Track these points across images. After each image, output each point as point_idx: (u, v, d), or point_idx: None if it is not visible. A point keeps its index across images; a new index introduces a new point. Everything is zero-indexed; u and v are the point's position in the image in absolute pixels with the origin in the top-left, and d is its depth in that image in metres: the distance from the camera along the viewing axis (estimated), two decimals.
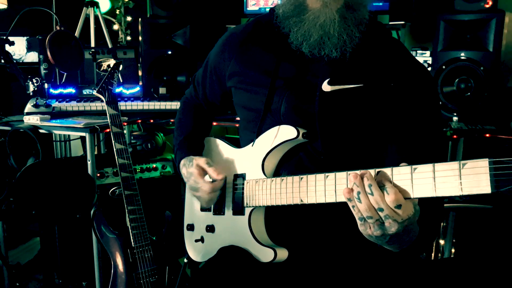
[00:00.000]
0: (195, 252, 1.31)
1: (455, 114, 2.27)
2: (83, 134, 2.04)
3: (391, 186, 0.78)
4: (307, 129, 1.05)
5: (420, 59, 2.44)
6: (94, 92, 1.95)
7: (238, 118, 1.29)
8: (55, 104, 2.33)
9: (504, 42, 2.18)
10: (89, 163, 2.01)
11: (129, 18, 3.65)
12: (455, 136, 2.08)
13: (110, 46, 2.94)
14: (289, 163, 1.11)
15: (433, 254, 2.38)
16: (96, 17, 2.99)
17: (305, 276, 1.12)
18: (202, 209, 1.28)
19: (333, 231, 1.11)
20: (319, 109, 1.05)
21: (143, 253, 1.88)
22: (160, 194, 2.33)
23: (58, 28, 2.21)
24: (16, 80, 2.35)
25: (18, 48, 2.60)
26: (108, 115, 1.90)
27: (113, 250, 1.88)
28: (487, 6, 2.15)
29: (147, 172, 2.34)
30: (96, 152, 2.76)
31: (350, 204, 0.83)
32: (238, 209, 1.15)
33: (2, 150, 2.05)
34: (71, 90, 2.47)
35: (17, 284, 2.18)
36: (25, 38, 2.72)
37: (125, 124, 2.32)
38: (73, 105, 2.35)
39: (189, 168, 1.20)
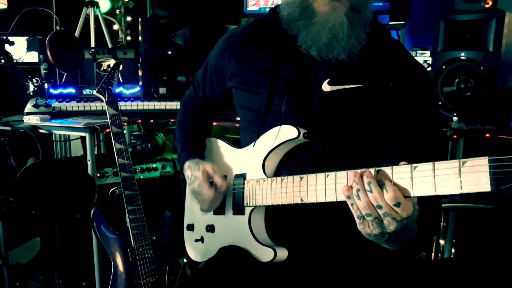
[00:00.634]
0: (195, 252, 1.31)
1: (455, 114, 2.26)
2: (83, 134, 2.04)
3: (391, 185, 0.78)
4: (307, 129, 1.06)
5: (420, 59, 2.44)
6: (94, 92, 1.96)
7: (238, 118, 1.29)
8: (55, 104, 2.32)
9: (504, 42, 2.18)
10: (89, 163, 2.01)
11: (129, 18, 3.65)
12: (455, 136, 2.08)
13: (110, 46, 2.94)
14: (290, 163, 1.11)
15: (433, 254, 2.38)
16: (96, 17, 2.99)
17: (304, 276, 1.12)
18: (202, 209, 1.29)
19: (333, 231, 1.11)
20: (319, 109, 1.05)
21: (143, 253, 1.88)
22: (160, 194, 2.33)
23: (58, 28, 2.21)
24: (16, 80, 2.35)
25: (18, 48, 2.60)
26: (108, 115, 1.90)
27: (113, 250, 1.88)
28: (487, 6, 2.15)
29: (147, 172, 2.34)
30: (96, 152, 2.76)
31: (349, 202, 0.83)
32: (239, 209, 1.15)
33: (2, 150, 2.05)
34: (71, 90, 2.47)
35: (17, 284, 2.18)
36: (25, 38, 2.71)
37: (125, 124, 2.32)
38: (73, 105, 2.34)
39: (194, 171, 1.20)
